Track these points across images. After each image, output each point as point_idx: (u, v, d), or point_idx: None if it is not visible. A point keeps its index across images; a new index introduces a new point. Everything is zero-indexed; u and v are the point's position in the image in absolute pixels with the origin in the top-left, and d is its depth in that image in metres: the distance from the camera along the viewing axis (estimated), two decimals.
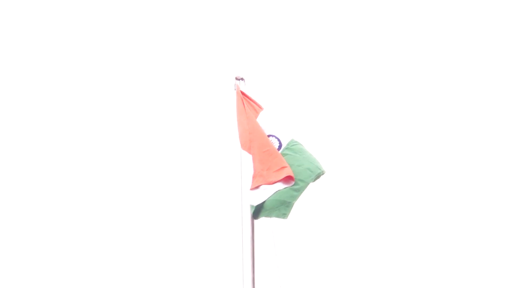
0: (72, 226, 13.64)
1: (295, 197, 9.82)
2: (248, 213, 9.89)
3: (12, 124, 13.92)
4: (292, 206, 9.79)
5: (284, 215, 9.77)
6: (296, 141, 10.13)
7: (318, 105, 14.07)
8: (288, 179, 9.82)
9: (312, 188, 9.65)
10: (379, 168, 13.90)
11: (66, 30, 14.22)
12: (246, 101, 10.20)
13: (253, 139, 10.00)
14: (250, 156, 9.92)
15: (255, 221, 9.92)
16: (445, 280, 13.43)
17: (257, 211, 9.82)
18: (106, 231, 13.59)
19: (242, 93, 10.19)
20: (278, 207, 9.76)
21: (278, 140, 10.13)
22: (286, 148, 10.06)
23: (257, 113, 10.21)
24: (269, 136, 10.11)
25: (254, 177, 9.85)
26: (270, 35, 14.18)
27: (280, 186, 9.83)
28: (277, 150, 10.02)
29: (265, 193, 9.84)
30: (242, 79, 10.24)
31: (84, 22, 14.24)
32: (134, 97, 14.07)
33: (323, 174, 9.94)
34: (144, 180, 13.74)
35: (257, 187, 9.84)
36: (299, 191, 9.85)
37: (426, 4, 14.27)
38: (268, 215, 9.81)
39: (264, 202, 9.78)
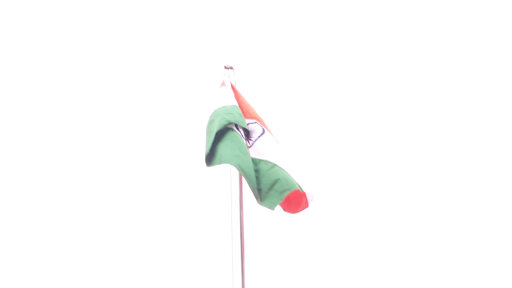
0: (65, 224, 13.60)
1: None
2: (238, 212, 9.78)
3: (12, 124, 13.91)
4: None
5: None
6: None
7: (310, 94, 13.98)
8: None
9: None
10: (376, 168, 13.83)
11: (52, 25, 14.17)
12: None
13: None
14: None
15: (245, 220, 9.79)
16: (443, 280, 13.46)
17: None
18: (96, 230, 13.55)
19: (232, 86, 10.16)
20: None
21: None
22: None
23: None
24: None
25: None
26: (261, 24, 14.10)
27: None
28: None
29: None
30: (231, 68, 10.20)
31: (78, 21, 14.22)
32: (118, 91, 13.99)
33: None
34: (132, 178, 13.70)
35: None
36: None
37: (423, 5, 14.25)
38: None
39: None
